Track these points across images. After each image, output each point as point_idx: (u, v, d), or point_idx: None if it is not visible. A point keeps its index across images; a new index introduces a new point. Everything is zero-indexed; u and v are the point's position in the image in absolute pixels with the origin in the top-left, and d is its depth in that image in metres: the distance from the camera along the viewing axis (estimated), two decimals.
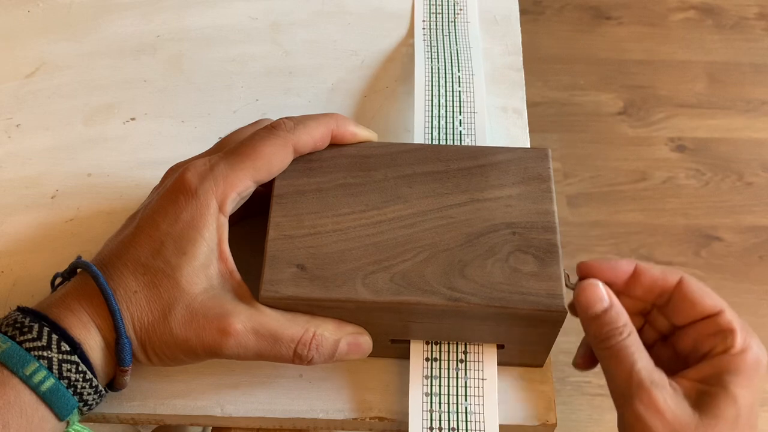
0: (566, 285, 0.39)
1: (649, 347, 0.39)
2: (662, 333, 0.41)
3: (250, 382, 0.43)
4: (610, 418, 1.05)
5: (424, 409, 0.40)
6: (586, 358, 0.42)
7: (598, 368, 0.40)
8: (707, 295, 0.39)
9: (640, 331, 0.40)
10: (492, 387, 0.40)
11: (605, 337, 0.38)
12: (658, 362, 0.38)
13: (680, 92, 1.39)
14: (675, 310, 0.40)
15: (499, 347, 0.41)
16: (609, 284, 0.39)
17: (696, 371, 0.38)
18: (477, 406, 0.40)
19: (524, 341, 0.40)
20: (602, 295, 0.38)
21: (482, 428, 0.39)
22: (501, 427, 0.42)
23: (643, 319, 0.42)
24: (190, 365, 0.42)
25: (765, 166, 1.31)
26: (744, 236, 1.24)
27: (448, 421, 0.39)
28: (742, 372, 0.37)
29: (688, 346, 0.39)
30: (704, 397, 0.37)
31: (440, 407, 0.40)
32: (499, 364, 0.41)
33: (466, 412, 0.40)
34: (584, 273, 0.40)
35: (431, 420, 0.40)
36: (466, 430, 0.39)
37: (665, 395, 0.36)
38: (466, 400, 0.40)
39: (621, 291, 0.40)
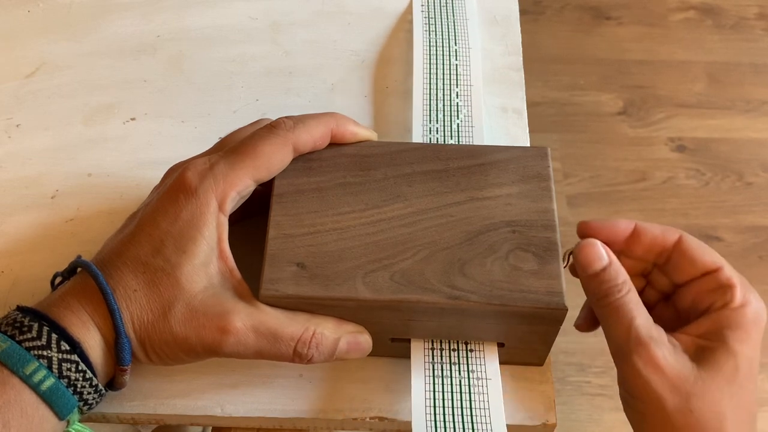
0: (566, 265, 0.39)
1: (651, 308, 0.39)
2: (663, 293, 0.42)
3: (250, 382, 0.43)
4: (610, 418, 1.05)
5: (427, 411, 0.40)
6: (588, 320, 0.42)
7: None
8: (706, 252, 0.39)
9: (641, 293, 0.40)
10: (495, 385, 0.40)
11: (604, 294, 0.38)
12: (660, 322, 0.38)
13: (680, 92, 1.39)
14: (675, 268, 0.40)
15: (499, 345, 0.41)
16: (609, 244, 0.39)
17: (696, 327, 0.38)
18: (482, 405, 0.40)
19: (524, 339, 0.40)
20: (601, 253, 0.39)
21: (489, 428, 0.39)
22: None
23: (644, 280, 0.42)
24: (190, 365, 0.42)
25: (765, 166, 1.31)
26: (744, 236, 1.24)
27: (453, 422, 0.39)
28: (741, 326, 0.37)
29: (688, 303, 0.40)
30: (703, 352, 0.37)
31: (443, 406, 0.40)
32: (499, 362, 0.41)
33: (471, 414, 0.40)
34: (584, 232, 0.40)
35: (435, 420, 0.39)
36: (473, 429, 0.39)
37: (664, 350, 0.37)
38: (469, 398, 0.40)
39: (621, 251, 0.40)
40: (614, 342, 0.38)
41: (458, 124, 0.49)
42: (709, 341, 0.37)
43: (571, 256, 0.40)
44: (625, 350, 0.37)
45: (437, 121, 0.49)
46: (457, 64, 0.52)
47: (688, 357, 0.37)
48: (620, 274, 0.38)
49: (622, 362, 0.38)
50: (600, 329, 0.41)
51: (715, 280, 0.39)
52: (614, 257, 0.39)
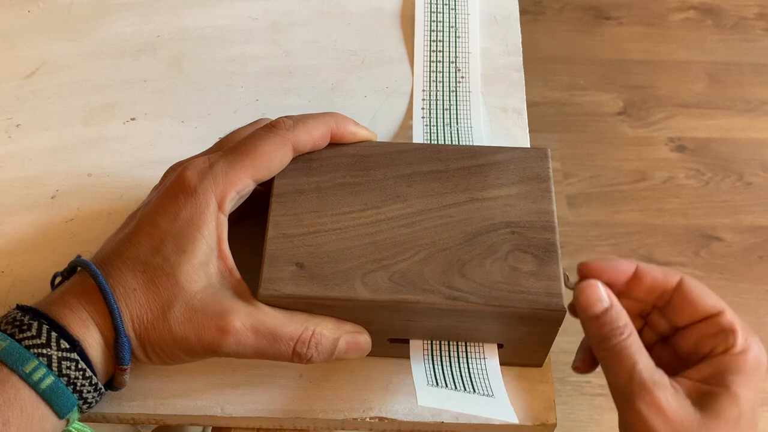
0: (565, 285, 0.39)
1: (649, 349, 0.39)
2: (662, 335, 0.41)
3: (250, 382, 0.43)
4: (610, 418, 1.05)
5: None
6: (586, 362, 0.42)
7: (599, 369, 0.40)
8: (708, 296, 0.39)
9: (639, 334, 0.40)
10: (498, 385, 0.40)
11: (605, 338, 0.38)
12: (658, 364, 0.38)
13: (680, 92, 1.39)
14: (675, 311, 0.40)
15: (499, 347, 0.41)
16: (609, 285, 0.39)
17: (697, 371, 0.38)
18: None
19: (523, 341, 0.40)
20: (602, 295, 0.38)
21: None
22: (499, 427, 0.42)
23: (642, 321, 0.42)
24: (189, 365, 0.42)
25: (765, 166, 1.31)
26: (744, 236, 1.24)
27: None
28: (743, 371, 0.37)
29: (688, 347, 0.40)
30: (706, 397, 0.37)
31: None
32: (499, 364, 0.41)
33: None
34: (584, 273, 0.40)
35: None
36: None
37: (667, 395, 0.36)
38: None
39: (621, 292, 0.40)
40: (616, 386, 0.37)
41: (456, 90, 0.50)
42: (711, 386, 0.37)
43: (569, 278, 0.40)
44: (627, 394, 0.37)
45: (435, 87, 0.50)
46: (457, 37, 0.53)
47: (690, 402, 0.36)
48: (621, 317, 0.38)
49: (625, 406, 0.37)
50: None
51: (716, 325, 0.38)
52: (615, 299, 0.38)
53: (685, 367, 0.39)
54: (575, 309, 0.39)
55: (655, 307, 0.41)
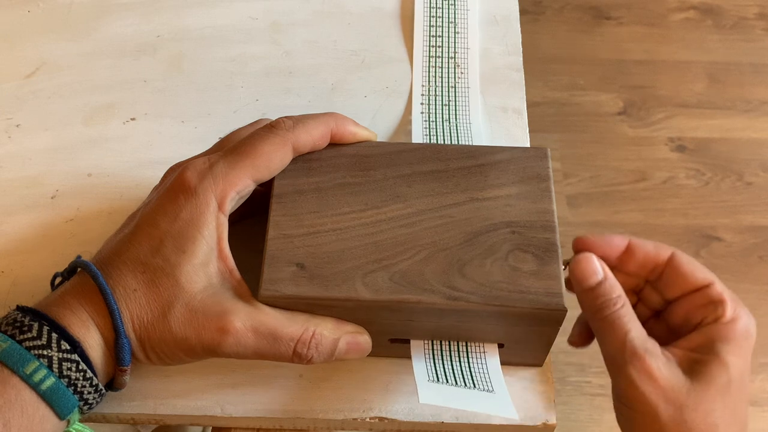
0: (564, 266, 0.40)
1: (643, 324, 0.40)
2: (655, 310, 0.43)
3: (250, 382, 0.43)
4: (610, 418, 1.05)
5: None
6: (582, 335, 0.43)
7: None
8: (697, 269, 0.41)
9: (633, 309, 0.41)
10: (499, 380, 0.40)
11: (599, 308, 0.39)
12: (652, 337, 0.39)
13: (680, 92, 1.39)
14: (667, 284, 0.41)
15: (499, 346, 0.41)
16: (603, 259, 0.40)
17: (688, 341, 0.39)
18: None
19: (523, 340, 0.40)
20: (597, 268, 0.39)
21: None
22: (499, 427, 0.42)
23: (635, 297, 0.43)
24: (189, 365, 0.42)
25: (765, 166, 1.31)
26: (744, 236, 1.24)
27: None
28: (732, 340, 0.38)
29: (680, 319, 0.41)
30: (696, 365, 0.38)
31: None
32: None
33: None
34: (580, 247, 0.41)
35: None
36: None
37: (658, 362, 0.37)
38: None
39: (615, 266, 0.41)
40: (609, 354, 0.39)
41: (455, 86, 0.51)
42: (701, 354, 0.38)
43: (567, 264, 0.40)
44: (620, 362, 0.38)
45: (435, 83, 0.51)
46: (456, 33, 0.53)
47: (681, 370, 0.38)
48: (615, 289, 0.39)
49: (618, 374, 0.38)
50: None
51: (706, 296, 0.40)
52: (609, 272, 0.40)
53: (677, 339, 0.40)
54: (571, 282, 0.40)
55: (647, 282, 0.42)
